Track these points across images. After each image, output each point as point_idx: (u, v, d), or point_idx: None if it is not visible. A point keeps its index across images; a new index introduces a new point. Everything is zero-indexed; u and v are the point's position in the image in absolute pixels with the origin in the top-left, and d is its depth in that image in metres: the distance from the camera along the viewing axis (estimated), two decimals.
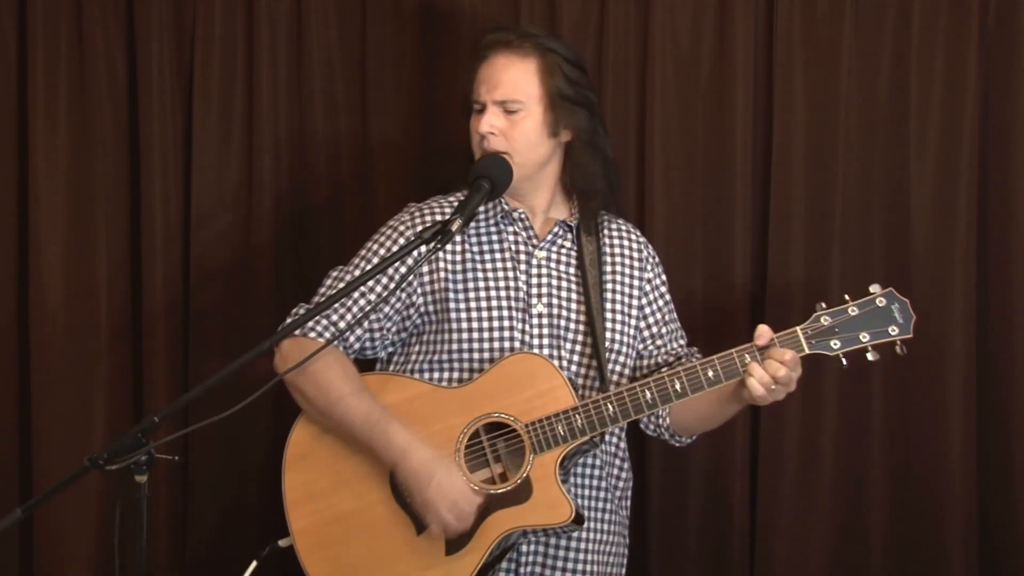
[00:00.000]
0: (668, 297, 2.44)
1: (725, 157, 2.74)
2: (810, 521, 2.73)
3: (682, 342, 2.43)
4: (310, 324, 2.26)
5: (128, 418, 2.89)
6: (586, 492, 2.32)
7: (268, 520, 2.78)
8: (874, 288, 2.16)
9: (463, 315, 2.28)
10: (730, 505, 2.76)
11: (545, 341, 2.29)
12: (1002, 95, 2.68)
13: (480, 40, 2.35)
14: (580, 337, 2.31)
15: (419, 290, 2.31)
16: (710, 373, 2.15)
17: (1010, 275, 2.68)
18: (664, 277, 2.44)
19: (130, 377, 2.91)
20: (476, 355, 2.27)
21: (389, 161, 2.86)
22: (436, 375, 2.28)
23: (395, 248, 2.25)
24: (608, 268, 2.36)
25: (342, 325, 2.26)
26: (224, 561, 2.88)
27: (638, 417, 2.20)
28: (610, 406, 2.17)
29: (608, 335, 2.32)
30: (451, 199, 2.37)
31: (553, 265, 2.34)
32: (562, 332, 2.30)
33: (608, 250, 2.38)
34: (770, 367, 2.11)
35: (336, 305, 2.27)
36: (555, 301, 2.31)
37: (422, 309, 2.31)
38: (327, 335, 2.25)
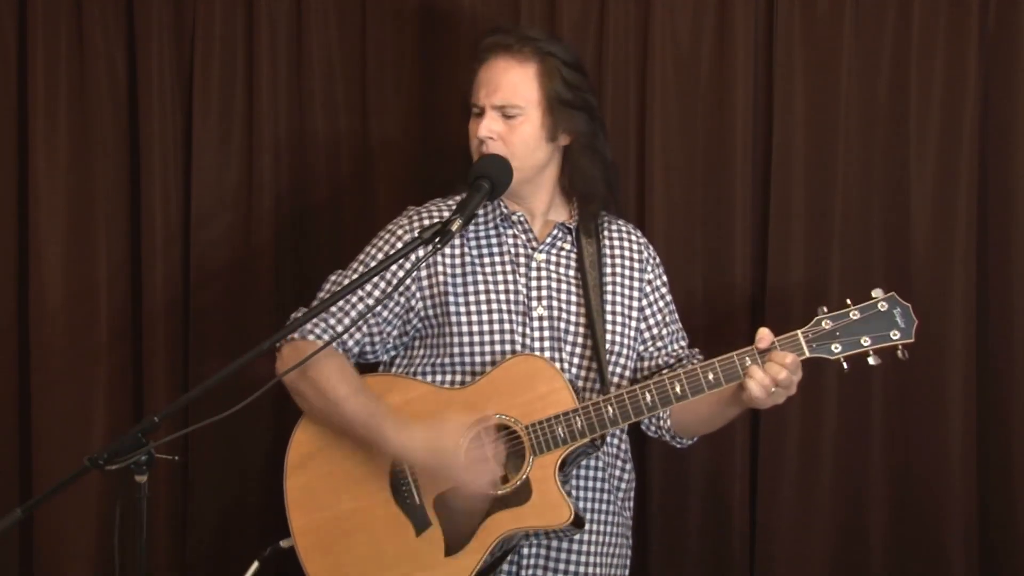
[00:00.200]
0: (669, 298, 2.44)
1: (725, 157, 2.74)
2: (810, 521, 2.73)
3: (683, 343, 2.43)
4: (309, 327, 2.27)
5: (128, 418, 2.90)
6: (588, 494, 2.31)
7: (268, 520, 2.78)
8: (876, 292, 2.16)
9: (463, 318, 2.28)
10: (730, 506, 2.76)
11: (546, 344, 2.29)
12: (1002, 95, 2.68)
13: (479, 42, 2.35)
14: (580, 339, 2.31)
15: (418, 294, 2.31)
16: (710, 376, 2.15)
17: (1010, 275, 2.68)
18: (665, 278, 2.44)
19: (130, 377, 2.91)
20: (477, 358, 2.27)
21: (389, 161, 2.86)
22: (438, 378, 2.29)
23: (393, 252, 2.26)
24: (608, 270, 2.36)
25: (340, 328, 2.26)
26: (224, 561, 2.88)
27: (638, 419, 2.20)
28: (610, 408, 2.17)
29: (608, 337, 2.32)
30: (449, 201, 2.37)
31: (553, 268, 2.34)
32: (562, 335, 2.30)
33: (608, 252, 2.38)
34: (770, 370, 2.12)
35: (334, 309, 2.28)
36: (555, 304, 2.31)
37: (422, 313, 2.31)
38: (325, 338, 2.25)
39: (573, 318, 2.31)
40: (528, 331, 2.29)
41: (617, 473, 2.38)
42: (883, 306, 2.15)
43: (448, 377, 2.28)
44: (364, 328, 2.29)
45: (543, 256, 2.34)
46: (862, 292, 2.19)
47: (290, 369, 2.15)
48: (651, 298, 2.40)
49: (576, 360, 2.31)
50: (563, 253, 2.35)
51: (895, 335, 2.15)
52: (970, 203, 2.67)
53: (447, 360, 2.28)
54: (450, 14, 2.82)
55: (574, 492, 2.29)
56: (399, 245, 2.29)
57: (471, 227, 2.31)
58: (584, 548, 2.30)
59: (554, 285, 2.32)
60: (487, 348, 2.27)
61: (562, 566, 2.29)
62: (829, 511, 2.73)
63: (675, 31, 2.75)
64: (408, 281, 2.28)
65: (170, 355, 2.88)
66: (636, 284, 2.38)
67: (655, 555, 2.77)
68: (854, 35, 2.70)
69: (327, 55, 2.88)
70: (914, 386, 2.71)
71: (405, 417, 2.19)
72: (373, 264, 2.29)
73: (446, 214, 2.31)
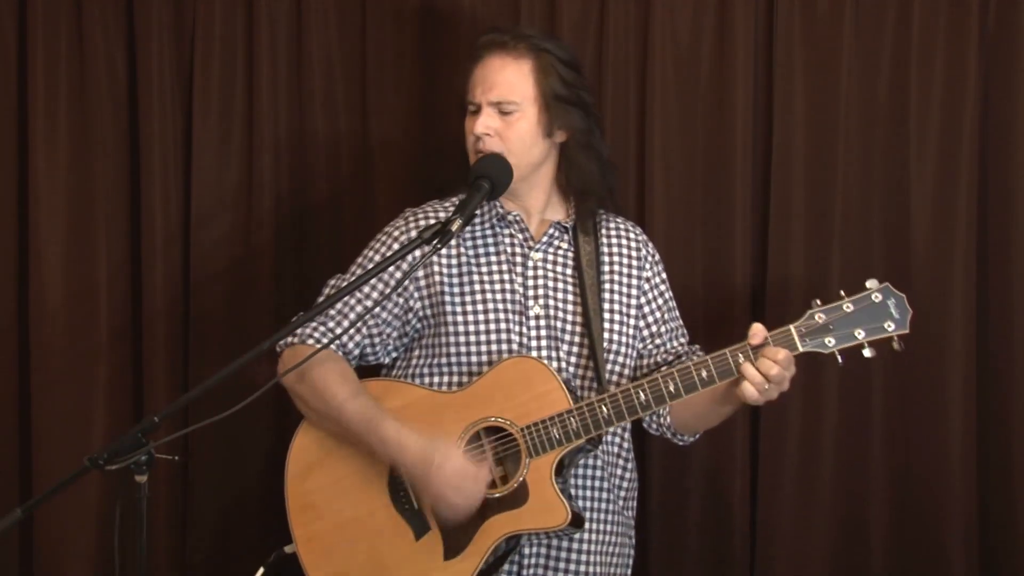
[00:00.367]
0: (668, 295, 2.44)
1: (725, 157, 2.74)
2: (810, 520, 2.73)
3: (683, 340, 2.43)
4: (308, 331, 2.28)
5: (128, 418, 2.89)
6: (588, 493, 2.31)
7: (268, 520, 2.78)
8: (870, 283, 2.13)
9: (458, 318, 2.28)
10: (730, 504, 2.76)
11: (543, 343, 2.29)
12: (1002, 95, 2.68)
13: (475, 41, 2.36)
14: (577, 339, 2.31)
15: (416, 295, 2.31)
16: (704, 373, 2.14)
17: (1010, 275, 2.68)
18: (664, 275, 2.44)
19: (130, 377, 2.91)
20: (474, 358, 2.27)
21: (389, 161, 2.86)
22: (436, 379, 2.29)
23: (391, 253, 2.26)
24: (606, 268, 2.36)
25: (339, 331, 2.27)
26: (224, 561, 2.88)
27: (633, 419, 2.20)
28: (604, 408, 2.17)
29: (607, 335, 2.32)
30: (446, 203, 2.38)
31: (550, 267, 2.34)
32: (559, 334, 2.30)
33: (606, 250, 2.38)
34: (763, 366, 2.10)
35: (333, 312, 2.29)
36: (552, 303, 2.31)
37: (420, 314, 2.32)
38: (324, 341, 2.26)
39: (570, 317, 2.31)
40: (525, 331, 2.29)
41: (619, 472, 2.37)
42: (877, 297, 2.12)
43: (445, 378, 2.29)
44: (364, 330, 2.30)
45: (540, 255, 2.34)
46: (860, 290, 2.17)
47: (288, 370, 2.16)
48: (649, 295, 2.40)
49: (573, 359, 2.31)
50: (560, 252, 2.35)
51: (890, 326, 2.11)
52: (970, 203, 2.66)
53: (443, 361, 2.28)
54: (450, 14, 2.82)
55: (574, 491, 2.29)
56: (395, 247, 2.29)
57: (467, 227, 2.31)
58: (585, 548, 2.30)
59: (551, 284, 2.32)
60: (483, 348, 2.27)
61: (563, 565, 2.29)
62: (829, 509, 2.73)
63: (675, 31, 2.75)
64: (406, 282, 2.29)
65: (170, 355, 2.88)
66: (634, 282, 2.38)
67: (655, 553, 2.77)
68: (854, 35, 2.70)
69: (327, 55, 2.88)
70: (914, 386, 2.71)
71: (402, 423, 2.19)
72: (371, 267, 2.29)
73: (443, 216, 2.31)
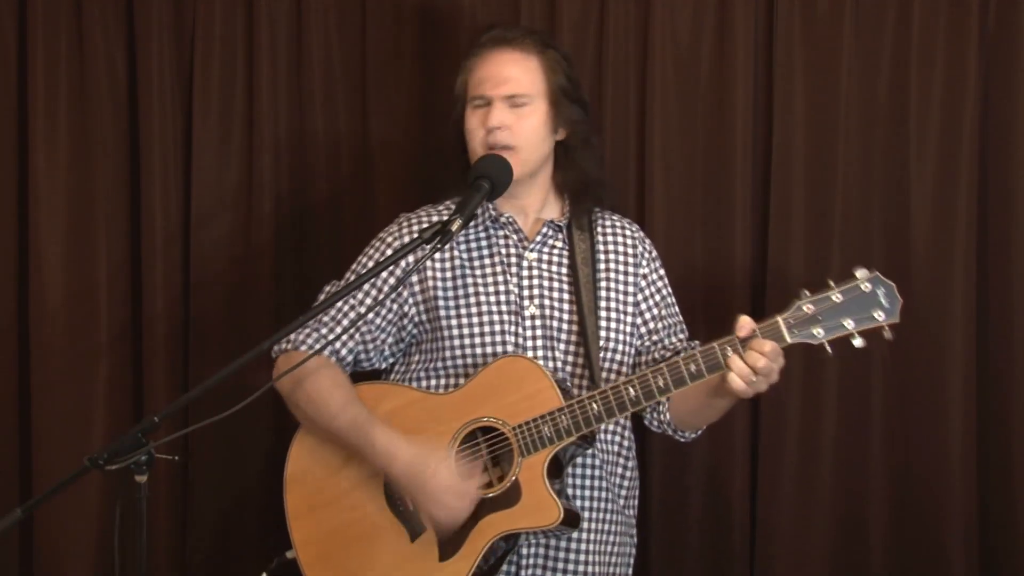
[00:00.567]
0: (666, 291, 2.43)
1: (725, 157, 2.74)
2: (810, 519, 2.73)
3: (682, 336, 2.41)
4: (301, 338, 2.30)
5: (128, 418, 2.90)
6: (587, 492, 2.31)
7: (268, 520, 2.78)
8: (860, 272, 2.08)
9: (453, 321, 2.29)
10: (730, 502, 2.76)
11: (539, 343, 2.29)
12: (1002, 95, 2.68)
13: (479, 38, 2.36)
14: (573, 337, 2.31)
15: (410, 300, 2.32)
16: (692, 367, 2.11)
17: (1010, 275, 2.68)
18: (662, 271, 2.44)
19: (130, 377, 2.91)
20: (470, 360, 2.28)
21: (389, 161, 2.86)
22: (433, 382, 2.30)
23: (392, 253, 2.27)
24: (602, 265, 2.37)
25: (332, 338, 2.28)
26: (224, 561, 2.88)
27: (623, 415, 2.19)
28: (595, 405, 2.16)
29: (603, 333, 2.32)
30: (440, 207, 2.39)
31: (544, 266, 2.34)
32: (555, 333, 2.30)
33: (602, 247, 2.38)
34: (750, 358, 2.07)
35: (327, 320, 2.31)
36: (547, 303, 2.31)
37: (416, 319, 2.33)
38: (317, 347, 2.27)
39: (566, 316, 2.31)
40: (521, 331, 2.29)
41: (619, 471, 2.37)
42: (866, 286, 2.07)
43: (443, 381, 2.29)
44: (357, 336, 2.31)
45: (534, 255, 2.34)
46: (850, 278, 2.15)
47: (282, 375, 2.17)
48: (646, 292, 2.40)
49: (570, 358, 2.31)
50: (555, 251, 2.36)
51: (879, 316, 2.06)
52: (970, 203, 2.66)
53: (440, 364, 2.29)
54: (450, 14, 2.82)
55: (571, 491, 2.29)
56: (389, 252, 2.30)
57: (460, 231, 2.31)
58: (584, 547, 2.30)
59: (546, 284, 2.33)
60: (479, 351, 2.28)
61: (561, 565, 2.29)
62: (829, 508, 2.73)
63: (675, 31, 2.75)
64: (400, 288, 2.30)
65: (170, 355, 2.88)
66: (630, 279, 2.38)
67: (655, 550, 2.78)
68: (854, 35, 2.70)
69: (327, 55, 2.88)
70: (914, 386, 2.71)
71: (395, 431, 2.20)
72: (364, 272, 2.30)
73: (435, 219, 2.31)
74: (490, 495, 2.18)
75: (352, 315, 2.30)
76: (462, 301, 2.30)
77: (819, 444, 2.73)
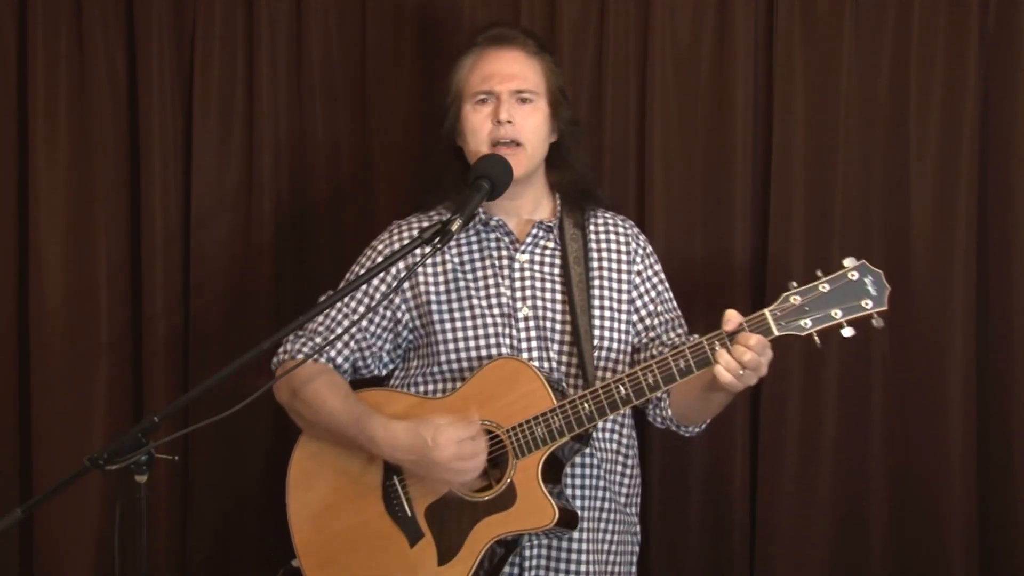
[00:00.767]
0: (663, 287, 2.42)
1: (725, 157, 2.74)
2: (810, 519, 2.73)
3: (681, 331, 2.40)
4: (297, 347, 2.32)
5: (128, 418, 2.90)
6: (586, 492, 2.31)
7: (268, 520, 2.78)
8: (847, 261, 2.06)
9: (447, 326, 2.30)
10: (730, 503, 2.76)
11: (533, 344, 2.30)
12: (1002, 95, 2.68)
13: (477, 36, 2.37)
14: (567, 337, 2.31)
15: (403, 306, 2.34)
16: (681, 363, 2.10)
17: (1010, 275, 2.68)
18: (658, 267, 2.43)
19: (130, 377, 2.91)
20: (465, 364, 2.29)
21: (389, 161, 2.86)
22: (430, 387, 2.31)
23: (388, 254, 2.27)
24: (595, 264, 2.37)
25: (324, 344, 2.31)
26: (224, 561, 2.88)
27: (615, 414, 2.18)
28: (587, 405, 2.16)
29: (597, 332, 2.31)
30: (432, 213, 2.40)
31: (536, 267, 2.34)
32: (548, 334, 2.31)
33: (595, 245, 2.38)
34: (736, 352, 2.06)
35: (322, 329, 2.33)
36: (539, 304, 2.32)
37: (410, 325, 2.34)
38: (313, 356, 2.29)
39: (559, 316, 2.32)
40: (515, 333, 2.29)
41: (619, 469, 2.37)
42: (853, 275, 2.05)
43: (440, 386, 2.31)
44: (352, 344, 2.33)
45: (526, 257, 2.34)
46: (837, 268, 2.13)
47: (278, 378, 2.21)
48: (641, 289, 2.39)
49: (564, 359, 2.31)
50: (547, 251, 2.36)
51: (867, 304, 2.04)
52: (970, 203, 2.67)
53: (437, 369, 2.30)
54: (450, 14, 2.82)
55: (570, 490, 2.29)
56: (379, 260, 2.31)
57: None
58: (583, 547, 2.30)
59: (538, 285, 2.33)
60: (473, 354, 2.29)
61: (563, 566, 2.29)
62: (829, 509, 2.73)
63: (675, 31, 2.75)
64: (391, 294, 2.32)
65: (170, 355, 2.88)
66: (624, 276, 2.38)
67: (655, 550, 2.77)
68: (854, 35, 2.70)
69: (327, 55, 2.88)
70: (914, 386, 2.71)
71: (390, 418, 2.21)
72: (362, 273, 2.30)
73: (426, 224, 2.32)
74: (486, 498, 2.18)
75: (346, 323, 2.33)
76: (455, 305, 2.31)
77: (819, 444, 2.73)
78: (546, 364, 2.29)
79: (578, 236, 2.36)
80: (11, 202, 2.91)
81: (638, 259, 2.40)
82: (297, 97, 2.88)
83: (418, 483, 2.22)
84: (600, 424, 2.30)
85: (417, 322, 2.33)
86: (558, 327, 2.31)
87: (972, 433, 2.68)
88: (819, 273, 2.07)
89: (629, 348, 2.36)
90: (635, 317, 2.37)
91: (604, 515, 2.33)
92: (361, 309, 2.33)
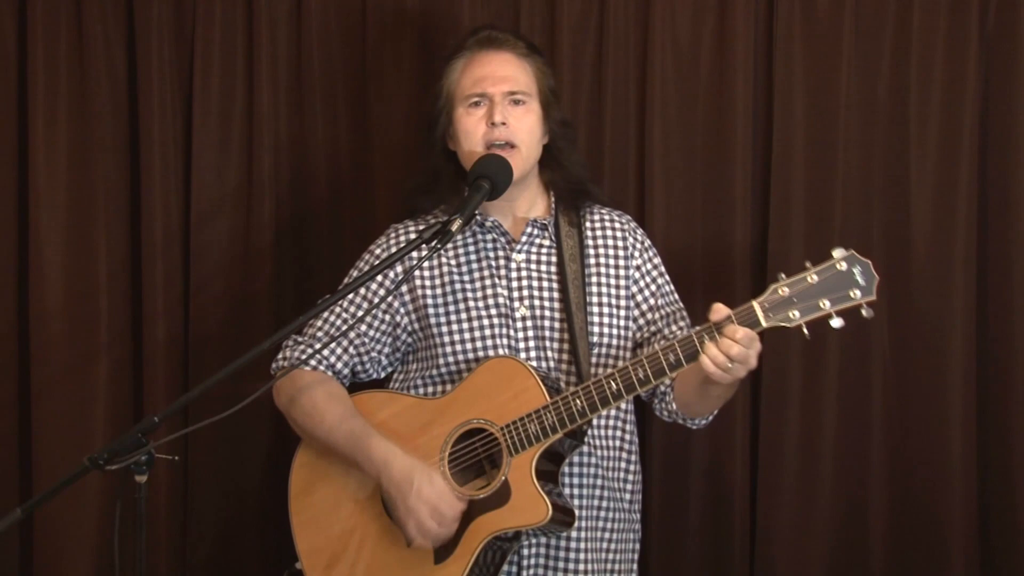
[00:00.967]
0: (662, 280, 2.42)
1: (725, 157, 2.74)
2: (810, 520, 2.73)
3: (683, 323, 2.38)
4: (296, 354, 2.33)
5: (128, 418, 2.90)
6: (584, 491, 2.31)
7: (268, 520, 2.78)
8: (836, 252, 2.04)
9: (444, 328, 2.30)
10: (730, 505, 2.75)
11: (531, 344, 2.30)
12: (1002, 95, 2.68)
13: (466, 40, 2.37)
14: (564, 335, 2.31)
15: (401, 310, 2.34)
16: (671, 357, 2.10)
17: (1010, 274, 2.68)
18: (657, 260, 2.42)
19: (130, 377, 2.91)
20: (464, 365, 2.29)
21: (389, 161, 2.86)
22: (429, 389, 2.32)
23: (387, 255, 2.27)
24: (592, 261, 2.37)
25: (326, 352, 2.32)
26: (224, 561, 2.88)
27: (607, 409, 2.17)
28: (579, 401, 2.15)
29: (596, 329, 2.31)
30: (428, 217, 2.40)
31: (533, 266, 2.34)
32: (545, 332, 2.31)
33: (591, 242, 2.38)
34: (723, 345, 2.05)
35: (321, 335, 2.34)
36: (536, 303, 2.32)
37: (408, 328, 2.34)
38: (312, 363, 2.31)
39: (556, 315, 2.32)
40: (512, 333, 2.29)
41: (624, 467, 2.37)
42: (842, 265, 2.03)
43: (439, 387, 2.31)
44: (352, 350, 2.34)
45: (522, 256, 2.35)
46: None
47: (272, 382, 2.19)
48: (641, 283, 2.39)
49: (563, 356, 2.31)
50: (543, 250, 2.36)
51: (856, 294, 2.01)
52: (970, 202, 2.66)
53: (436, 372, 2.31)
54: (449, 15, 2.82)
55: (569, 489, 2.29)
56: (377, 264, 2.31)
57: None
58: (581, 546, 2.30)
59: (535, 284, 2.33)
60: (472, 355, 2.29)
61: (562, 564, 2.29)
62: (829, 510, 2.73)
63: (675, 31, 2.75)
64: (389, 298, 2.32)
65: (170, 355, 2.88)
66: (622, 272, 2.37)
67: (655, 551, 2.77)
68: (854, 35, 2.70)
69: (327, 55, 2.88)
70: (914, 386, 2.71)
71: (391, 442, 2.22)
72: (359, 275, 2.31)
73: (422, 227, 2.32)
74: (480, 496, 2.18)
75: (344, 328, 2.33)
76: (452, 308, 2.31)
77: (819, 444, 2.73)
78: (544, 364, 2.29)
79: (574, 233, 2.36)
80: (11, 202, 2.91)
81: (636, 253, 2.40)
82: (297, 97, 2.88)
83: None
84: (598, 421, 2.30)
85: (416, 325, 2.34)
86: (555, 325, 2.31)
87: (972, 433, 2.68)
88: (808, 264, 2.05)
89: (629, 344, 2.36)
90: (636, 312, 2.37)
91: (603, 514, 2.33)
92: (359, 314, 2.34)
